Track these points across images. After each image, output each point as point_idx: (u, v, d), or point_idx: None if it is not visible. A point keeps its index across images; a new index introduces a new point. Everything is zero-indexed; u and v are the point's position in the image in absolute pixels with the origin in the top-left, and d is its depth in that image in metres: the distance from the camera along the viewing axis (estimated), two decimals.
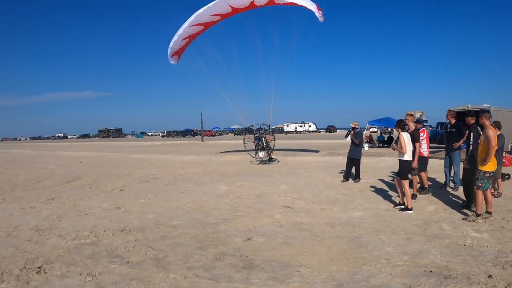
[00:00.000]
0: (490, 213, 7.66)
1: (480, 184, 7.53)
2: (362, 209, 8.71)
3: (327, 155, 23.65)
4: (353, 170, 12.97)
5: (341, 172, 14.86)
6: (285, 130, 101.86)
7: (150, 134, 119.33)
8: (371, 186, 11.72)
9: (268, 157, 19.67)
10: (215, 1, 15.85)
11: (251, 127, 22.46)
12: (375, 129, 43.50)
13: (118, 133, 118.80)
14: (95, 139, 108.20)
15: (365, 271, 5.04)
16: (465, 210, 8.30)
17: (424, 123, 10.53)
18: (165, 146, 43.62)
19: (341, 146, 34.82)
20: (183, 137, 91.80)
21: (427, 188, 10.29)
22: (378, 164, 17.85)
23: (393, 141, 31.41)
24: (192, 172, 16.47)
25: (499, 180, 10.06)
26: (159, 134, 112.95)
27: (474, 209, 7.83)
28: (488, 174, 7.53)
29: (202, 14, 16.32)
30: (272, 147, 20.20)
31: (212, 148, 36.82)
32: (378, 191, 10.97)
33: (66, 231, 7.28)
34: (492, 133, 7.45)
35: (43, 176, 17.05)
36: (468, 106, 19.98)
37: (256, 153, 20.11)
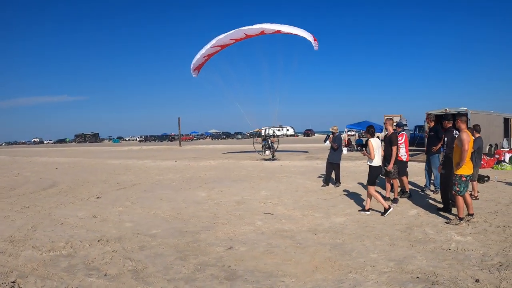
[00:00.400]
0: (471, 214, 7.69)
1: (458, 188, 7.56)
2: (344, 214, 8.63)
3: (305, 159, 23.66)
4: (333, 175, 12.89)
5: (320, 177, 14.81)
6: (262, 134, 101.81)
7: (127, 139, 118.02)
8: (352, 191, 11.70)
9: (272, 156, 24.06)
10: (234, 31, 19.63)
11: (260, 131, 28.70)
12: (353, 133, 43.94)
13: (95, 138, 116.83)
14: (71, 144, 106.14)
15: (351, 279, 4.92)
16: (446, 214, 8.31)
17: (404, 127, 10.52)
18: (143, 151, 43.03)
19: (320, 150, 34.93)
20: (161, 142, 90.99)
21: (408, 192, 10.29)
22: (358, 168, 17.88)
23: (362, 147, 31.93)
24: (170, 178, 16.19)
25: (475, 182, 10.12)
26: (136, 139, 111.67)
27: (456, 212, 7.85)
28: (464, 178, 7.56)
29: (222, 39, 20.02)
30: (276, 148, 24.95)
31: (190, 153, 36.49)
32: (359, 195, 10.93)
33: (41, 242, 6.97)
34: (466, 136, 7.47)
35: (18, 183, 16.52)
36: (445, 109, 20.17)
37: (264, 152, 24.69)
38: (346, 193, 11.38)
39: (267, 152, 24.48)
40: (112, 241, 6.87)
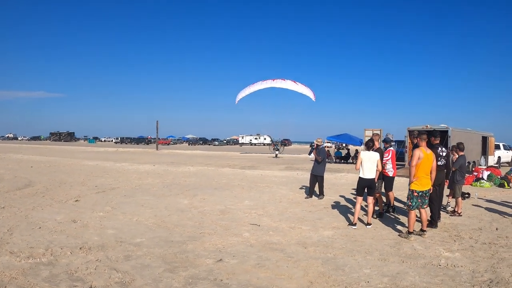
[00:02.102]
0: (424, 231, 7.86)
1: (409, 203, 7.78)
2: (331, 227, 8.55)
3: (285, 169, 23.63)
4: (316, 187, 12.84)
5: (302, 188, 14.77)
6: (240, 142, 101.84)
7: (103, 139, 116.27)
8: (336, 203, 11.67)
9: (276, 156, 39.68)
10: (261, 83, 31.78)
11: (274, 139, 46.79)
12: (329, 144, 44.38)
13: (70, 137, 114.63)
14: (46, 142, 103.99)
15: None
16: (431, 229, 8.36)
17: (391, 143, 10.55)
18: (119, 153, 42.40)
19: (298, 160, 35.11)
20: (137, 144, 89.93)
21: (393, 207, 10.30)
22: (338, 181, 17.95)
23: (341, 160, 32.28)
24: (149, 183, 15.86)
25: (459, 199, 10.21)
26: (112, 140, 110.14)
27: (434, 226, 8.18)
28: (416, 193, 7.74)
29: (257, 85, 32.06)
30: (281, 151, 43.65)
31: (168, 157, 36.12)
32: (343, 208, 10.90)
33: (18, 247, 6.63)
34: (417, 152, 7.71)
35: None
36: (427, 126, 20.57)
37: (275, 154, 40.25)
38: (330, 205, 11.32)
39: (277, 152, 40.61)
40: (94, 249, 6.59)
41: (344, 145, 49.29)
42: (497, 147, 29.13)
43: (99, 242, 7.06)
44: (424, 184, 7.76)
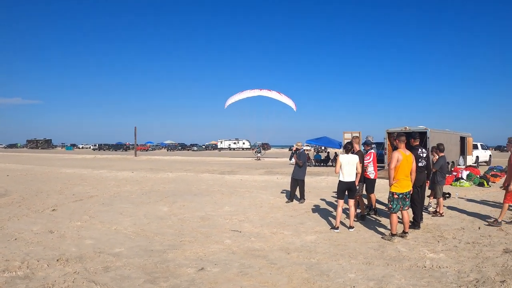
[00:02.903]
0: (406, 233, 7.88)
1: (390, 206, 7.79)
2: (313, 232, 8.48)
3: (265, 174, 23.54)
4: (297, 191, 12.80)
5: (283, 192, 14.69)
6: (218, 146, 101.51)
7: (80, 146, 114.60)
8: (317, 207, 11.63)
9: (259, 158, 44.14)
10: (252, 91, 33.08)
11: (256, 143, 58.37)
12: (308, 148, 44.66)
13: (47, 144, 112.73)
14: (23, 149, 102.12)
15: None
16: (413, 230, 8.37)
17: (372, 145, 10.55)
18: (97, 160, 41.69)
19: (278, 164, 35.07)
20: (115, 151, 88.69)
21: (375, 209, 10.29)
22: (319, 184, 17.95)
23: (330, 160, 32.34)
24: (128, 190, 15.58)
25: (440, 199, 10.27)
26: (90, 147, 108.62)
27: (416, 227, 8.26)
28: (396, 196, 7.76)
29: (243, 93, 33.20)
30: (262, 154, 49.31)
31: (147, 164, 35.68)
32: (325, 212, 10.86)
33: None
34: (395, 154, 7.76)
35: None
36: (406, 128, 20.67)
37: (257, 156, 45.08)
38: (311, 209, 11.27)
39: (259, 154, 46.24)
40: (72, 261, 6.36)
41: (323, 148, 49.67)
42: (475, 147, 29.63)
43: (77, 253, 6.83)
44: (404, 186, 7.76)
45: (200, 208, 11.53)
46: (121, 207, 11.66)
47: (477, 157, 29.43)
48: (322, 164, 33.79)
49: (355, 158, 8.77)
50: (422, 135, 17.79)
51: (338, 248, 7.11)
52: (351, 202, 8.84)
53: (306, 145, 35.38)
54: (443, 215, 9.97)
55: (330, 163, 32.75)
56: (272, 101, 33.27)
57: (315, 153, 39.04)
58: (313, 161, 34.21)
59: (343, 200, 8.79)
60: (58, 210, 11.05)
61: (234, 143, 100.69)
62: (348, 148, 8.95)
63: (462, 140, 25.79)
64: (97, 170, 26.28)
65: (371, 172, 10.13)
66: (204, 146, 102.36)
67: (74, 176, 21.96)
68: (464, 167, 21.14)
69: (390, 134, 21.76)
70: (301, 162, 12.64)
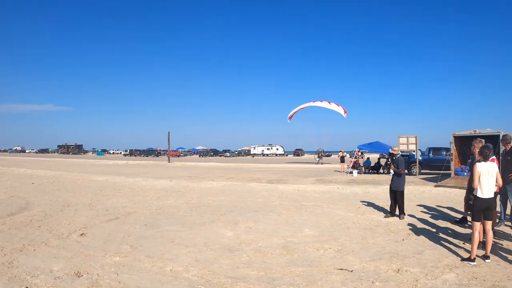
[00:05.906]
0: None
1: None
2: (445, 266, 6.19)
3: (318, 182, 20.71)
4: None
5: (358, 206, 12.04)
6: (252, 152, 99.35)
7: (111, 152, 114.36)
8: (414, 227, 9.02)
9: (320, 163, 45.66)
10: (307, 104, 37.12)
11: (319, 149, 50.35)
12: (359, 153, 41.80)
13: (78, 149, 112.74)
14: (54, 154, 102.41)
15: None
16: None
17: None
18: (130, 167, 39.52)
19: (319, 171, 32.52)
20: (146, 156, 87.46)
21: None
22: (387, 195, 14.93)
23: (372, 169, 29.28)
24: (172, 205, 12.88)
25: None
26: (121, 152, 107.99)
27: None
28: None
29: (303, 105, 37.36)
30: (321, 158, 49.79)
31: (183, 171, 33.17)
32: (430, 234, 8.41)
33: None
34: None
35: None
36: (475, 131, 18.89)
37: (317, 161, 47.16)
38: (411, 229, 8.77)
39: (318, 159, 48.03)
40: None
41: (360, 153, 46.07)
42: None
43: None
44: None
45: (272, 231, 8.77)
46: (171, 230, 8.97)
47: None
48: (371, 171, 30.60)
49: (494, 167, 6.79)
50: (491, 139, 15.16)
51: None
52: (488, 224, 6.66)
53: (357, 150, 32.30)
54: None
55: (381, 170, 29.67)
56: (322, 110, 36.62)
57: (365, 160, 35.81)
58: (363, 168, 31.13)
59: (480, 223, 6.67)
60: (88, 235, 8.42)
61: (268, 149, 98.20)
62: (486, 153, 6.72)
63: None
64: (132, 178, 23.81)
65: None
66: (236, 152, 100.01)
67: (107, 185, 19.41)
68: None
69: (456, 138, 20.53)
70: (401, 170, 9.94)
